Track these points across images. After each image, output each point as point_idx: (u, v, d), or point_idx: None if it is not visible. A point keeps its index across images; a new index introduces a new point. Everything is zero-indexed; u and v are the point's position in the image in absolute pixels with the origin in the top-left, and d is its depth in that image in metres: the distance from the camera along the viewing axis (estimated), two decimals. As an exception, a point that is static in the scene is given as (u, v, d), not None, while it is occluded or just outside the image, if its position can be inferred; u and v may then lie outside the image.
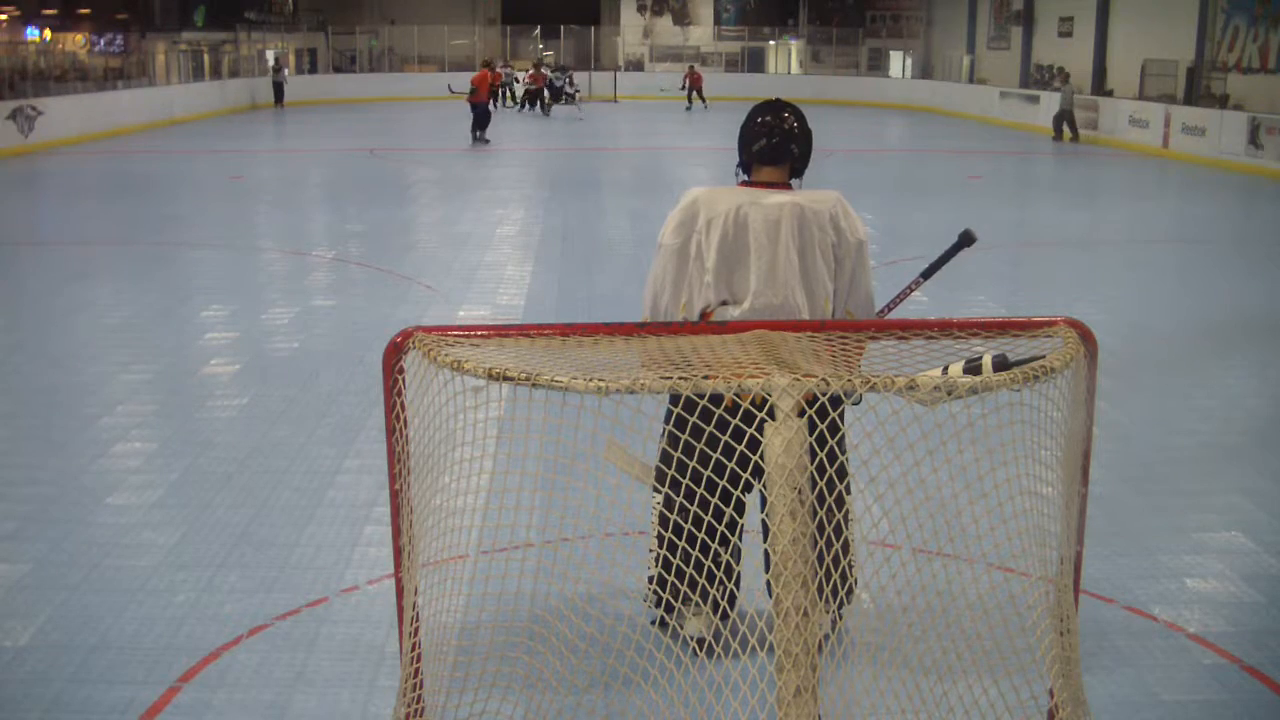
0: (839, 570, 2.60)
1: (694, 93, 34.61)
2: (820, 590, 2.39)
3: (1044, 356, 2.51)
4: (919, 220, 13.70)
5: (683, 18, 45.15)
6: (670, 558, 3.22)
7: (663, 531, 3.31)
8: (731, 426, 2.44)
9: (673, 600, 3.42)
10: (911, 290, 4.03)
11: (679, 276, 3.71)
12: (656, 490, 3.54)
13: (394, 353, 2.58)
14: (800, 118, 3.81)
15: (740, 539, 3.34)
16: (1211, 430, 6.29)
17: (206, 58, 35.08)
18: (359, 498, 5.17)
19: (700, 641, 3.54)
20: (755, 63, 43.35)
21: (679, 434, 2.75)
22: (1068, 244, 12.50)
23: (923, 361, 2.72)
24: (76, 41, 35.84)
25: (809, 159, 3.83)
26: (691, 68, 36.66)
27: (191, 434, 6.08)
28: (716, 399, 2.47)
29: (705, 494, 2.75)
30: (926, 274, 4.00)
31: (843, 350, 2.67)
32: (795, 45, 44.68)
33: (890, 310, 3.99)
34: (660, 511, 3.60)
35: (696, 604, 3.40)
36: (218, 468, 5.56)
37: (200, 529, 4.86)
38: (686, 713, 2.78)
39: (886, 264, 11.05)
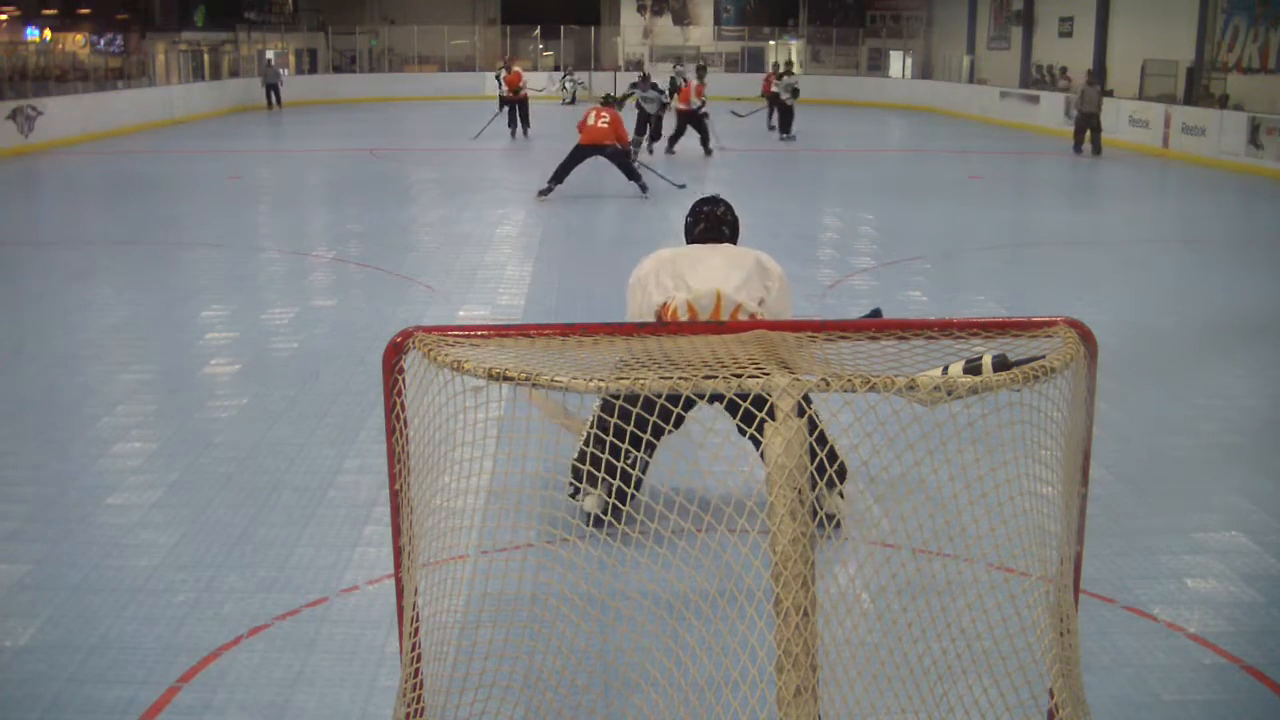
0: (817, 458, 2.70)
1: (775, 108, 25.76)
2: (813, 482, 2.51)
3: (1044, 356, 2.51)
4: (919, 220, 13.70)
5: (683, 18, 45.15)
6: (586, 449, 3.93)
7: (603, 418, 3.78)
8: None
9: (577, 482, 4.10)
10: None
11: (645, 301, 4.68)
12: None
13: (394, 353, 2.58)
14: (728, 208, 5.06)
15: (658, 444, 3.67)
16: (1211, 430, 6.29)
17: (206, 58, 35.06)
18: (359, 498, 5.18)
19: (594, 518, 4.17)
20: (755, 63, 43.31)
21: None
22: (1068, 244, 12.50)
23: (923, 361, 2.72)
24: (76, 41, 35.82)
25: (736, 238, 5.04)
26: (775, 71, 28.49)
27: (191, 434, 6.08)
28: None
29: (643, 411, 2.79)
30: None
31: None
32: (795, 45, 44.67)
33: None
34: (598, 413, 4.24)
35: (603, 485, 4.15)
36: (218, 468, 5.56)
37: (200, 529, 4.86)
38: (686, 713, 2.78)
39: (886, 264, 11.05)
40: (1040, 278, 10.96)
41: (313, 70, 41.36)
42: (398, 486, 2.63)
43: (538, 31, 43.92)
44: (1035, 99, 28.94)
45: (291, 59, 41.75)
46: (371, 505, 5.05)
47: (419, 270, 10.52)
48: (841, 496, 4.45)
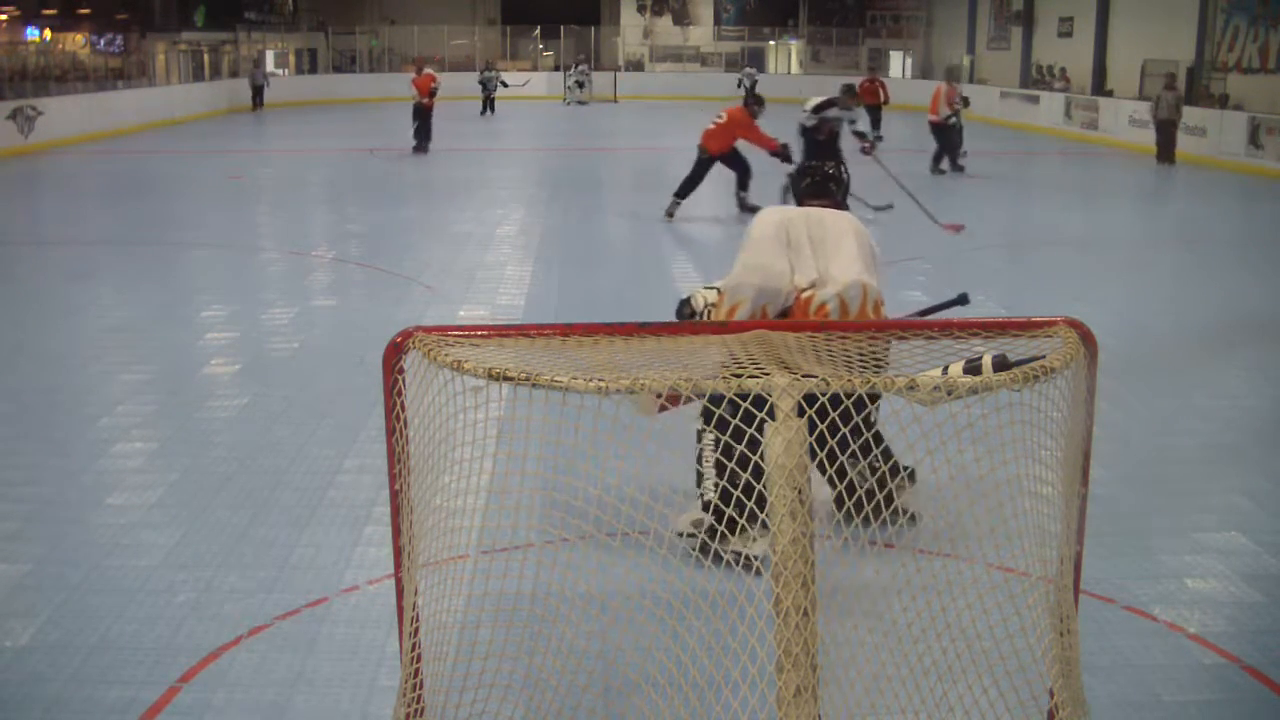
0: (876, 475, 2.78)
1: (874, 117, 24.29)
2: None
3: (1044, 356, 2.51)
4: (919, 220, 13.69)
5: (683, 18, 45.15)
6: (731, 489, 3.48)
7: (725, 462, 3.40)
8: None
9: (729, 530, 3.91)
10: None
11: (771, 260, 4.41)
12: (704, 433, 4.30)
13: (394, 353, 2.58)
14: (837, 164, 5.09)
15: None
16: (1211, 430, 6.29)
17: (206, 58, 35.06)
18: (359, 498, 5.17)
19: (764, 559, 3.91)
20: (755, 63, 43.31)
21: None
22: (1068, 244, 12.49)
23: (923, 361, 2.72)
24: (76, 41, 35.79)
25: (846, 195, 5.04)
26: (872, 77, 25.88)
27: (191, 434, 6.08)
28: None
29: (755, 433, 2.76)
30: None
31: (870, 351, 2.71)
32: (795, 45, 44.66)
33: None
34: (716, 456, 4.21)
35: (762, 526, 3.61)
36: (218, 468, 5.56)
37: (200, 529, 4.86)
38: (686, 713, 2.78)
39: (887, 264, 11.02)
40: (1040, 278, 10.96)
41: (313, 70, 41.37)
42: (398, 486, 2.63)
43: (538, 31, 43.91)
44: (1035, 99, 28.93)
45: (291, 59, 41.75)
46: (371, 505, 5.05)
47: (419, 270, 10.51)
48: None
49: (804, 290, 4.34)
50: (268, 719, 3.52)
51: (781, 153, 13.22)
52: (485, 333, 2.71)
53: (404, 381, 2.59)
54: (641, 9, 45.05)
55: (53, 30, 35.45)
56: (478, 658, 3.02)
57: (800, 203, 4.86)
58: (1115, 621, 4.13)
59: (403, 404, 2.59)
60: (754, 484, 3.03)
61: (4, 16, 34.59)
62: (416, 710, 2.68)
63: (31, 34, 35.29)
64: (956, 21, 39.35)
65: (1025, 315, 2.83)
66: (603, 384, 2.28)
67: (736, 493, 3.02)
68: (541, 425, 2.51)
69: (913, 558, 3.07)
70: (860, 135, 14.26)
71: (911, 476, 4.48)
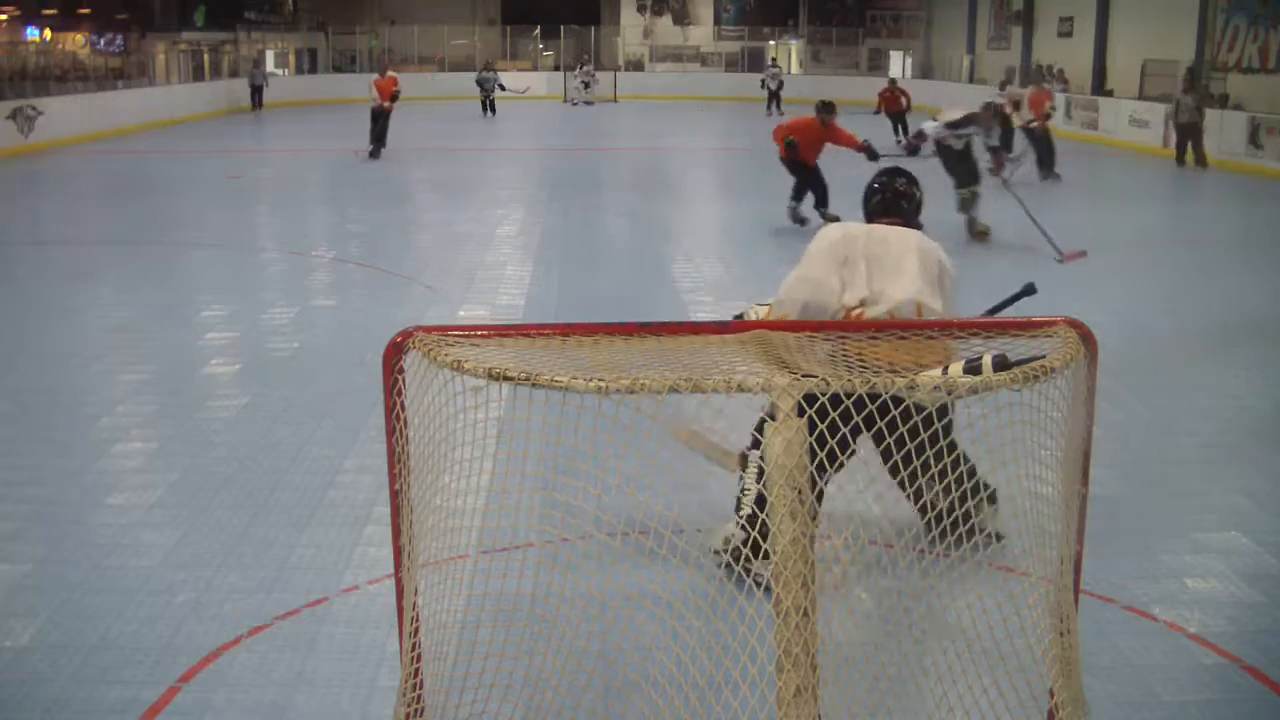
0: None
1: (899, 124, 23.70)
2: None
3: (1044, 356, 2.51)
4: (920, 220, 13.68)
5: (683, 18, 45.13)
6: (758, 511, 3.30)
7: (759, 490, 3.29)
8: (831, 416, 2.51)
9: (753, 553, 3.73)
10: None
11: (825, 277, 4.33)
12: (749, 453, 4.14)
13: (394, 353, 2.59)
14: (910, 180, 4.80)
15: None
16: (1211, 430, 6.29)
17: (206, 58, 35.04)
18: (359, 498, 5.17)
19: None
20: (755, 63, 43.29)
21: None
22: (1068, 244, 12.48)
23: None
24: (76, 41, 35.81)
25: (918, 214, 4.80)
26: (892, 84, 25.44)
27: (191, 434, 6.08)
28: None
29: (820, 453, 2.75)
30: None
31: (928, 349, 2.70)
32: (795, 45, 44.65)
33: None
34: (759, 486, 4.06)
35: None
36: (218, 468, 5.56)
37: (200, 529, 4.86)
38: (687, 713, 2.78)
39: (886, 264, 11.00)
40: (1040, 278, 10.92)
41: (313, 70, 41.35)
42: (398, 486, 2.63)
43: (538, 31, 43.91)
44: (1035, 99, 28.89)
45: (291, 59, 41.73)
46: (371, 505, 5.05)
47: (419, 270, 10.52)
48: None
49: (854, 308, 4.26)
50: (268, 719, 3.52)
51: (867, 149, 12.68)
52: (485, 333, 2.72)
53: (404, 381, 2.59)
54: (641, 9, 45.04)
55: (53, 30, 35.47)
56: (478, 658, 3.02)
57: (869, 220, 4.73)
58: (1115, 621, 4.13)
59: (403, 404, 2.59)
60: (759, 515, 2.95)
61: (4, 16, 34.60)
62: (416, 710, 2.68)
63: (31, 34, 35.31)
64: (956, 21, 39.35)
65: (1025, 315, 2.83)
66: (603, 384, 2.28)
67: (763, 516, 2.97)
68: (541, 425, 2.51)
69: (913, 558, 3.07)
70: (994, 151, 13.25)
71: (992, 498, 4.27)
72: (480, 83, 31.57)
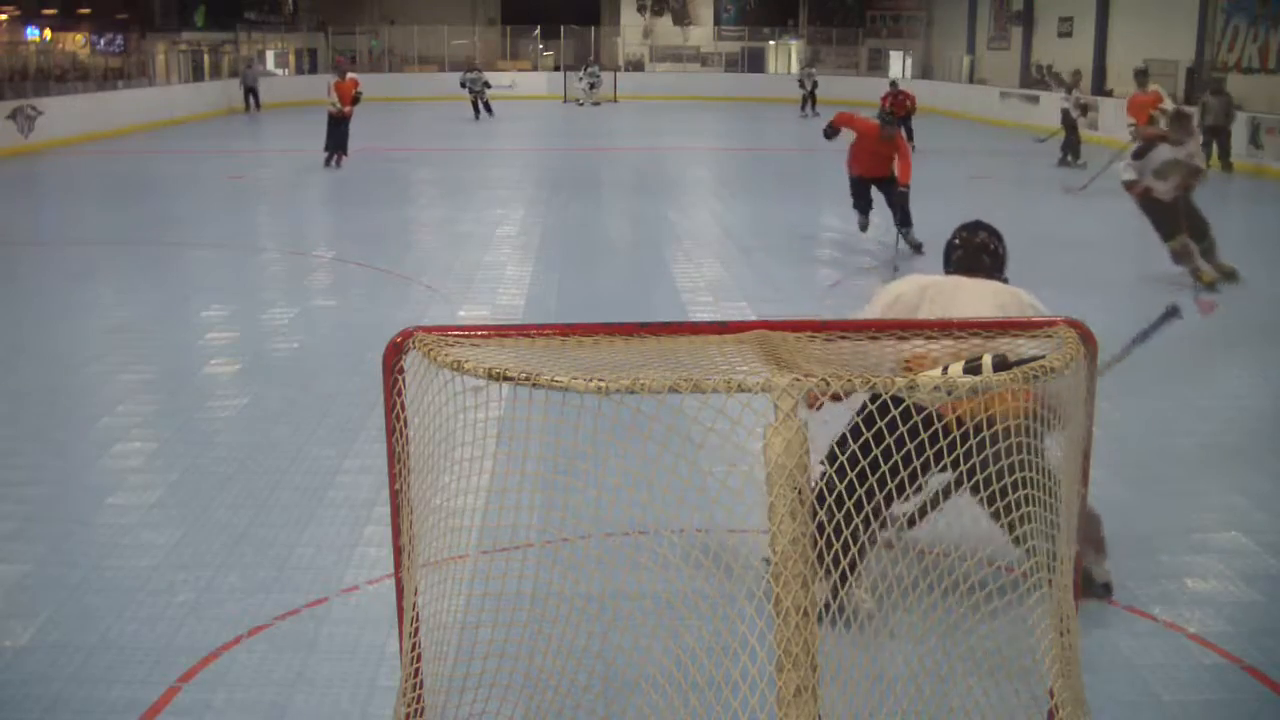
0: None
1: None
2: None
3: (1044, 356, 2.51)
4: (921, 220, 13.68)
5: (683, 18, 45.13)
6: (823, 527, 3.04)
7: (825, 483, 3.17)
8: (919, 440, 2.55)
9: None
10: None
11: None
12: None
13: (394, 353, 2.59)
14: (991, 235, 4.48)
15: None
16: (1211, 430, 6.29)
17: (206, 58, 35.06)
18: (359, 498, 5.17)
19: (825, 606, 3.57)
20: (755, 63, 43.33)
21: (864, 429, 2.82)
22: (1068, 244, 12.49)
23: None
24: (76, 41, 35.81)
25: (1002, 270, 4.45)
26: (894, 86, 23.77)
27: (191, 434, 6.08)
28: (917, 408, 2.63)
29: (870, 486, 2.76)
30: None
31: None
32: (795, 45, 44.65)
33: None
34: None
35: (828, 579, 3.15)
36: (218, 468, 5.56)
37: (200, 529, 4.86)
38: (686, 713, 2.78)
39: (887, 264, 11.02)
40: (1040, 278, 10.93)
41: (313, 70, 41.36)
42: (398, 486, 2.63)
43: (538, 31, 43.91)
44: (1035, 99, 28.92)
45: (291, 59, 41.73)
46: (371, 505, 5.05)
47: (419, 270, 10.52)
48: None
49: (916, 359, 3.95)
50: (268, 719, 3.52)
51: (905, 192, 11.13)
52: (485, 333, 2.72)
53: (404, 381, 2.59)
54: (641, 9, 45.03)
55: (53, 30, 35.45)
56: (478, 658, 3.02)
57: (948, 274, 4.46)
58: (1115, 621, 4.13)
59: (403, 404, 2.59)
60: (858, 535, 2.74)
61: (4, 16, 34.58)
62: (416, 710, 2.68)
63: (31, 34, 35.29)
64: (956, 21, 39.36)
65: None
66: (603, 384, 2.28)
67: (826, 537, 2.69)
68: (541, 425, 2.51)
69: (914, 558, 3.07)
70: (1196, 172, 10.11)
71: (1099, 545, 4.18)
72: (466, 84, 30.25)
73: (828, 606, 3.05)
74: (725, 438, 2.84)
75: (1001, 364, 2.65)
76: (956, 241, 4.51)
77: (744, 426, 2.46)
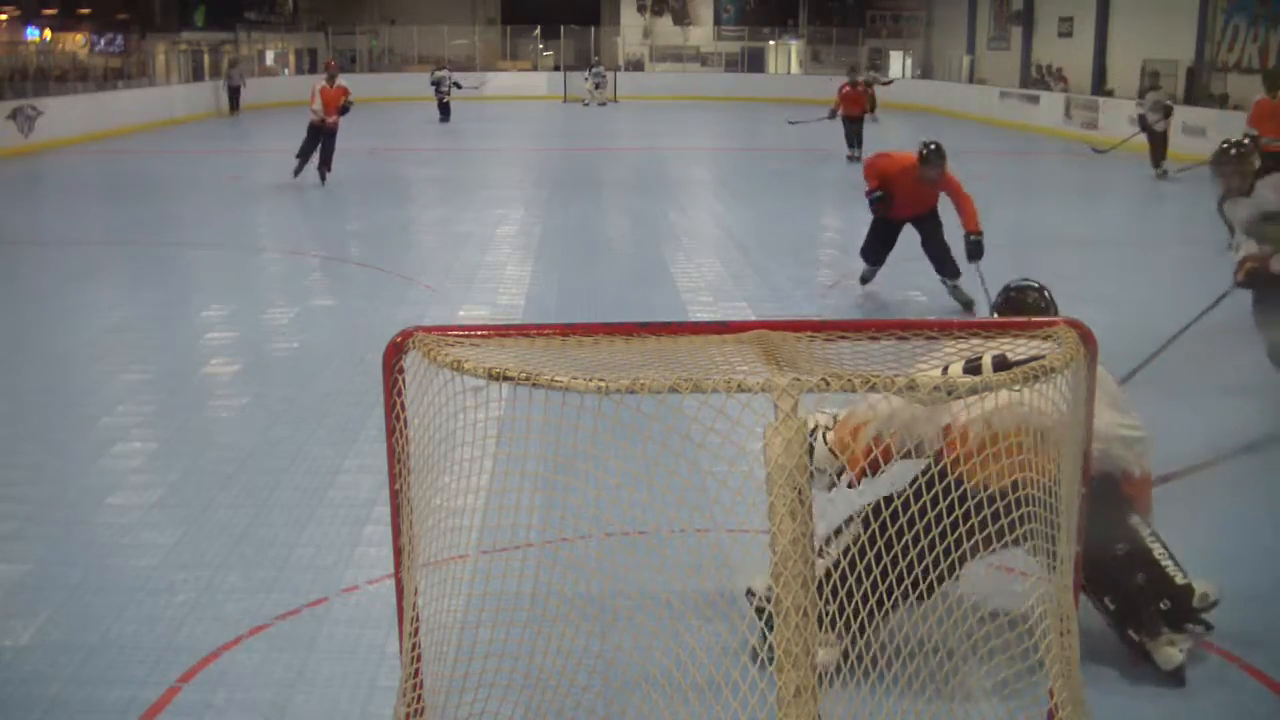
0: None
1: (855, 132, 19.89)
2: None
3: (1044, 356, 2.51)
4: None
5: (683, 18, 45.13)
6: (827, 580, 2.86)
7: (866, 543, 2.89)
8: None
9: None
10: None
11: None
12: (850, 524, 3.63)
13: (394, 353, 2.59)
14: (1041, 294, 4.53)
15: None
16: (1210, 430, 6.28)
17: (207, 58, 35.04)
18: (359, 498, 5.17)
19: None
20: (755, 63, 43.33)
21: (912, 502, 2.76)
22: (1068, 244, 12.48)
23: (923, 362, 2.71)
24: (76, 41, 35.81)
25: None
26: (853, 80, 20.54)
27: (191, 434, 6.08)
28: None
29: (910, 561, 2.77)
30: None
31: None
32: (795, 45, 44.66)
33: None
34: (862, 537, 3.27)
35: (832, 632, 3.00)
36: (218, 468, 5.56)
37: (200, 529, 4.86)
38: (686, 713, 2.78)
39: (887, 264, 11.00)
40: (1040, 278, 10.92)
41: (313, 70, 41.34)
42: (398, 486, 2.63)
43: (538, 31, 43.90)
44: (1035, 99, 28.93)
45: (291, 59, 41.72)
46: (371, 505, 5.05)
47: (419, 270, 10.52)
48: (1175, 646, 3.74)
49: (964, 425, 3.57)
50: (267, 719, 3.52)
51: (972, 245, 9.04)
52: (485, 333, 2.72)
53: (404, 381, 2.59)
54: (641, 9, 45.02)
55: (53, 30, 35.45)
56: (478, 658, 3.02)
57: None
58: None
59: (403, 404, 2.59)
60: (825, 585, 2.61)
61: (4, 16, 34.58)
62: (416, 710, 2.68)
63: (31, 34, 35.29)
64: (956, 21, 39.37)
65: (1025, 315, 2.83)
66: (603, 384, 2.28)
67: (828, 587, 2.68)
68: (541, 425, 2.51)
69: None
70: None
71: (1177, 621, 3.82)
72: (435, 83, 28.92)
73: (838, 669, 2.86)
74: (725, 438, 2.86)
75: (1001, 364, 2.64)
76: (1005, 298, 4.55)
77: (744, 426, 2.45)
